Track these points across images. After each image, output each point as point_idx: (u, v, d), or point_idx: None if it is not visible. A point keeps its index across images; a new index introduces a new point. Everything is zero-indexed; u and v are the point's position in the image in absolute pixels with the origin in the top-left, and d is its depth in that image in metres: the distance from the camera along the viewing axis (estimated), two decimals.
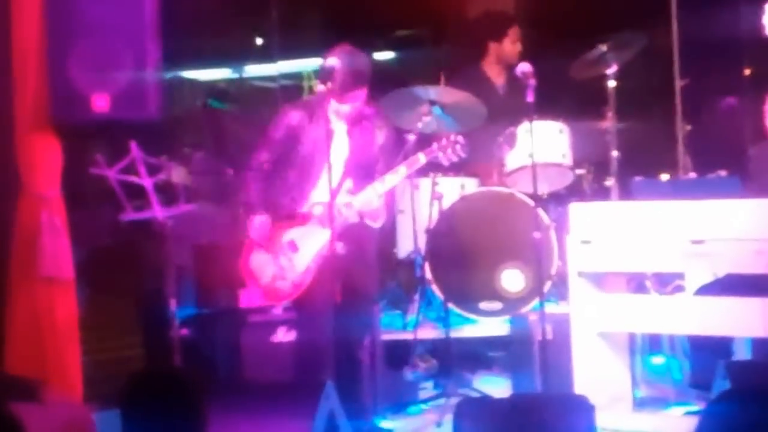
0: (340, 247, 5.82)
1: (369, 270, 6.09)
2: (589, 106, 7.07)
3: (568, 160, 6.87)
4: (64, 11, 5.68)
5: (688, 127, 7.48)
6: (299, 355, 6.20)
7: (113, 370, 6.31)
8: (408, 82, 6.87)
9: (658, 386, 6.29)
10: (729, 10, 8.03)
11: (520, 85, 6.06)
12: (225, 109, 9.71)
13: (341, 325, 5.78)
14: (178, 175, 6.59)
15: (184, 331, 6.23)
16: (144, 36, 5.70)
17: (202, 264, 7.60)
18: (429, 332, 6.71)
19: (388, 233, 7.02)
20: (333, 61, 5.82)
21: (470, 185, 7.12)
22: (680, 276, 6.29)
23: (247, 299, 7.32)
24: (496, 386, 6.73)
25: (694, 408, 5.83)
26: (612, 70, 6.75)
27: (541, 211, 6.44)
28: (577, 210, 5.95)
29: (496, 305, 6.75)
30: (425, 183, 6.81)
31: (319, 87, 5.80)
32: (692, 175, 7.04)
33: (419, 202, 6.92)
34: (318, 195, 5.95)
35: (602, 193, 6.88)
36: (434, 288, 6.72)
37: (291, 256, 5.97)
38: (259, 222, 5.97)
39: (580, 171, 7.04)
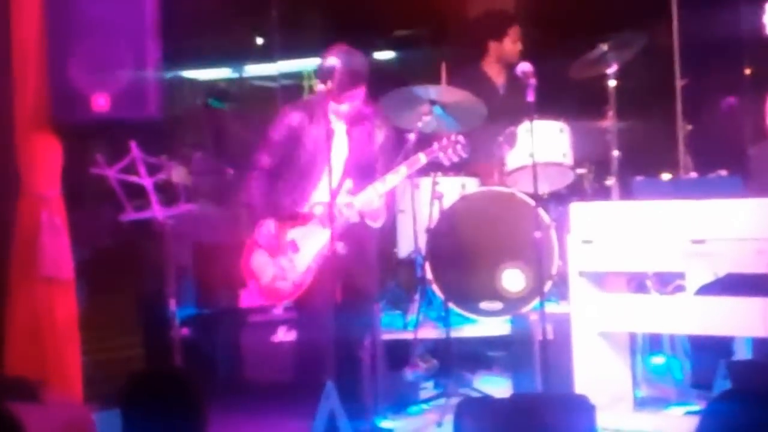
0: (340, 247, 5.82)
1: (369, 270, 6.09)
2: (590, 106, 7.06)
3: (569, 160, 6.87)
4: (64, 11, 5.68)
5: (689, 127, 7.48)
6: (300, 355, 6.20)
7: (113, 370, 6.31)
8: (408, 82, 6.86)
9: (658, 386, 6.28)
10: (729, 9, 8.02)
11: (521, 84, 6.05)
12: (225, 108, 9.70)
13: (342, 325, 5.77)
14: (178, 174, 6.58)
15: (185, 331, 6.22)
16: (144, 35, 5.70)
17: (202, 264, 7.60)
18: (429, 332, 6.71)
19: (389, 233, 7.02)
20: (330, 61, 5.81)
21: (471, 185, 7.12)
22: (681, 276, 6.28)
23: (247, 299, 7.31)
24: (496, 386, 6.72)
25: (695, 408, 5.83)
26: (612, 69, 6.74)
27: (541, 211, 6.44)
28: (577, 209, 5.95)
29: (497, 305, 6.74)
30: (426, 182, 6.81)
31: (320, 86, 5.79)
32: (693, 174, 7.02)
33: (420, 202, 6.92)
34: (319, 195, 5.94)
35: (603, 193, 6.87)
36: (435, 288, 6.72)
37: (292, 257, 5.97)
38: (266, 228, 5.96)
39: (580, 170, 7.04)
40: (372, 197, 5.88)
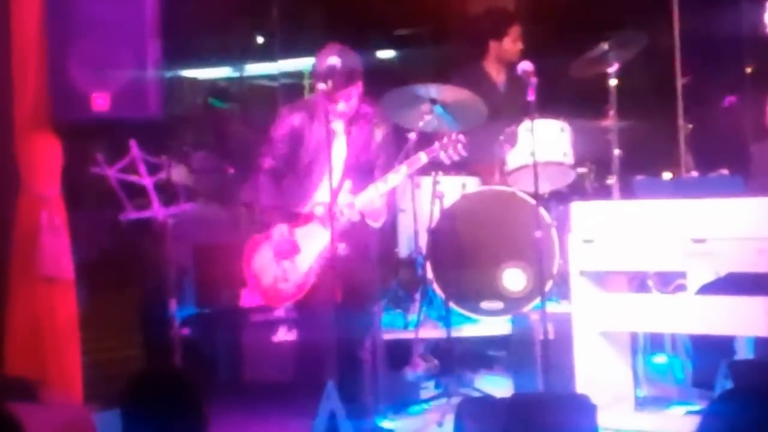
0: (341, 248, 5.81)
1: (370, 270, 6.08)
2: (591, 105, 7.06)
3: (570, 159, 6.86)
4: (64, 10, 5.67)
5: (690, 126, 7.48)
6: (300, 355, 6.19)
7: (113, 370, 6.30)
8: (409, 81, 6.86)
9: (660, 386, 6.28)
10: (730, 8, 8.02)
11: (522, 83, 6.04)
12: (226, 108, 9.70)
13: (343, 325, 5.76)
14: (178, 174, 6.59)
15: (185, 331, 6.22)
16: (144, 35, 5.69)
17: (202, 263, 7.60)
18: (430, 332, 6.70)
19: (390, 232, 7.02)
20: (323, 60, 5.80)
21: (471, 184, 7.12)
22: (682, 275, 6.28)
23: (248, 298, 7.30)
24: (497, 386, 6.72)
25: (696, 407, 5.82)
26: (613, 68, 6.73)
27: (542, 210, 6.43)
28: (578, 209, 5.94)
29: (498, 304, 6.74)
30: (426, 182, 6.80)
31: (320, 86, 5.78)
32: (694, 173, 7.03)
33: (420, 201, 6.91)
34: (320, 195, 5.93)
35: (604, 192, 6.87)
36: (435, 287, 6.72)
37: (294, 257, 5.96)
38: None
39: (581, 170, 7.03)
40: (373, 197, 5.87)
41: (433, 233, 6.64)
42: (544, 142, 6.53)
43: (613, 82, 6.75)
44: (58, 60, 5.63)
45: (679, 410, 5.95)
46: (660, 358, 6.52)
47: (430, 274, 6.72)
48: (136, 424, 3.59)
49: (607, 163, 6.85)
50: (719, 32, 7.88)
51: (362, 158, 5.98)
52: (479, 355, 7.21)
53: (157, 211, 6.02)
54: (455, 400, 5.92)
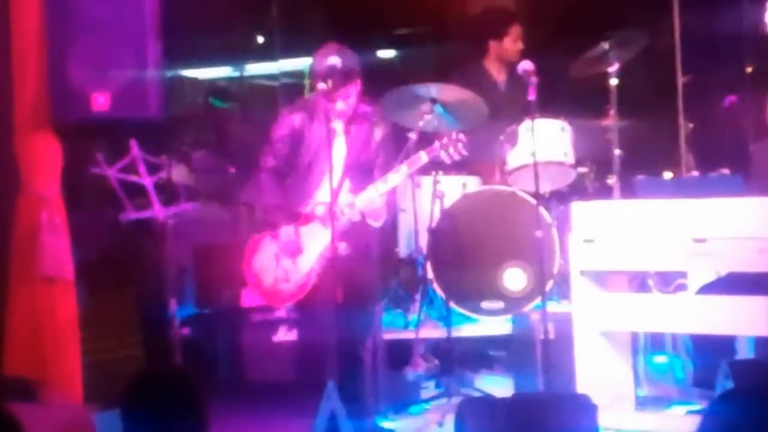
0: (342, 247, 5.81)
1: (371, 269, 6.08)
2: (591, 104, 7.06)
3: (570, 159, 6.85)
4: (64, 10, 5.66)
5: (690, 125, 7.47)
6: (301, 355, 6.19)
7: (113, 370, 6.29)
8: (409, 80, 6.85)
9: (660, 385, 6.28)
10: (731, 7, 8.01)
11: (522, 82, 6.04)
12: (226, 107, 9.70)
13: (343, 325, 5.76)
14: (178, 174, 6.59)
15: (185, 331, 6.21)
16: (145, 34, 5.69)
17: (202, 263, 7.60)
18: (431, 331, 6.70)
19: (390, 232, 7.01)
20: (322, 60, 5.80)
21: (472, 184, 7.11)
22: (683, 275, 6.27)
23: (248, 298, 7.30)
24: (498, 386, 6.71)
25: (697, 407, 5.82)
26: (614, 67, 6.73)
27: (542, 210, 6.43)
28: (579, 208, 5.94)
29: (498, 304, 6.73)
30: (427, 181, 6.79)
31: (320, 85, 5.78)
32: (694, 173, 7.02)
33: (421, 201, 6.91)
34: (320, 195, 5.93)
35: (604, 192, 6.86)
36: (436, 287, 6.71)
37: (297, 258, 5.96)
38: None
39: (582, 169, 7.03)
40: (373, 196, 5.87)
41: (434, 233, 6.63)
42: (545, 141, 6.53)
43: (613, 81, 6.74)
44: (58, 60, 5.63)
45: (680, 410, 5.94)
46: (660, 358, 6.52)
47: (430, 274, 6.72)
48: (136, 424, 3.58)
49: (607, 163, 6.85)
50: (720, 31, 7.87)
51: (362, 158, 5.98)
52: (480, 354, 7.20)
53: (157, 211, 6.01)
54: (456, 400, 5.92)
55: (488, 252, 6.78)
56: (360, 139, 5.99)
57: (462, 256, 6.75)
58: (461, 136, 6.00)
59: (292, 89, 9.76)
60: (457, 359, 6.49)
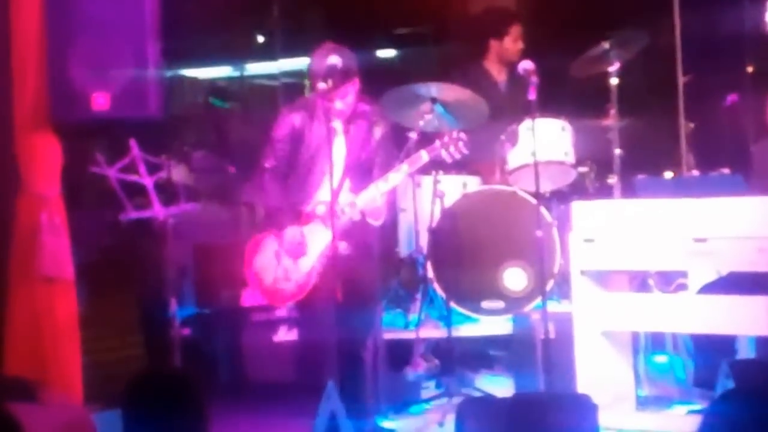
0: (343, 247, 5.81)
1: (372, 268, 6.08)
2: (592, 104, 7.05)
3: (571, 158, 6.85)
4: (64, 9, 5.66)
5: (691, 125, 7.47)
6: (302, 355, 6.19)
7: (113, 370, 6.29)
8: (410, 80, 6.84)
9: (661, 385, 6.27)
10: (731, 6, 8.00)
11: (522, 82, 6.04)
12: (226, 107, 9.69)
13: (344, 325, 5.76)
14: (178, 173, 6.58)
15: (185, 331, 6.21)
16: (144, 34, 5.68)
17: (202, 263, 7.59)
18: (431, 331, 6.70)
19: (390, 232, 7.01)
20: (322, 60, 5.80)
21: (472, 183, 7.11)
22: (683, 274, 6.27)
23: (249, 298, 7.30)
24: (498, 385, 6.71)
25: (698, 407, 5.82)
26: (614, 67, 6.72)
27: (543, 210, 6.43)
28: (579, 208, 5.93)
29: (499, 304, 6.73)
30: (427, 181, 6.79)
31: (321, 85, 5.78)
32: (695, 172, 7.02)
33: (421, 201, 6.91)
34: (321, 194, 5.93)
35: (605, 191, 6.86)
36: (436, 287, 6.71)
37: (300, 258, 5.96)
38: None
39: (582, 169, 7.02)
40: (374, 195, 5.88)
41: (434, 233, 6.63)
42: (545, 141, 6.52)
43: (614, 81, 6.74)
44: (58, 60, 5.62)
45: (681, 410, 5.94)
46: (661, 358, 6.51)
47: (430, 274, 6.71)
48: (137, 424, 3.58)
49: (608, 163, 6.84)
50: (720, 31, 7.87)
51: (361, 157, 5.99)
52: (480, 354, 7.20)
53: (157, 211, 6.01)
54: (456, 400, 5.92)
55: (489, 252, 6.77)
56: (359, 138, 5.99)
57: (462, 256, 6.74)
58: (462, 134, 6.00)
59: (293, 89, 9.75)
60: (457, 359, 6.48)
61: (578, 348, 5.83)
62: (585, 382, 5.72)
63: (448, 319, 6.44)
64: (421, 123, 6.31)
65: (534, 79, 5.91)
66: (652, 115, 7.70)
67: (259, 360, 7.09)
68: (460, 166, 6.82)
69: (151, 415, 3.57)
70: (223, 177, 8.20)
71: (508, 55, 7.57)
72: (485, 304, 6.74)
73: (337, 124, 5.94)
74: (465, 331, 6.77)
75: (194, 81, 10.46)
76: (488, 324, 6.80)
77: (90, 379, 5.87)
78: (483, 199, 6.89)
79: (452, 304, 6.55)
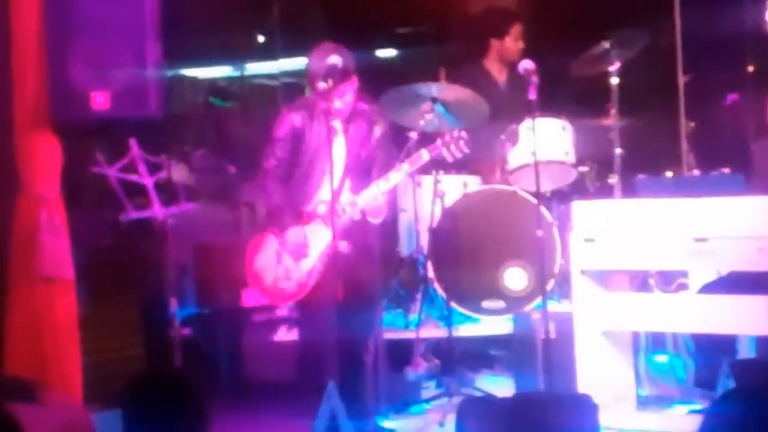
0: (343, 246, 5.81)
1: (373, 268, 6.08)
2: (592, 103, 7.05)
3: (571, 158, 6.84)
4: (63, 9, 5.65)
5: (692, 124, 7.46)
6: (302, 355, 6.19)
7: (113, 371, 6.29)
8: (410, 80, 6.84)
9: (662, 385, 6.27)
10: (732, 6, 7.99)
11: (523, 82, 6.03)
12: (226, 107, 9.68)
13: (346, 325, 5.76)
14: (178, 173, 6.57)
15: (185, 331, 6.20)
16: (144, 33, 5.68)
17: (203, 263, 7.58)
18: (431, 331, 6.70)
19: (391, 232, 7.01)
20: (322, 60, 5.80)
21: (473, 183, 7.11)
22: (684, 274, 6.26)
23: (250, 298, 7.29)
24: (498, 385, 6.71)
25: (698, 407, 5.81)
26: (615, 67, 6.72)
27: (543, 209, 6.43)
28: (580, 208, 5.93)
29: (499, 304, 6.73)
30: (428, 181, 6.79)
31: (321, 85, 5.78)
32: (696, 172, 7.00)
33: (422, 201, 6.91)
34: (322, 194, 5.93)
35: (605, 191, 6.85)
36: (437, 286, 6.71)
37: (300, 259, 5.95)
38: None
39: (583, 168, 7.02)
40: (375, 195, 5.88)
41: (435, 232, 6.63)
42: (546, 140, 6.52)
43: (614, 80, 6.73)
44: (58, 60, 5.62)
45: (681, 410, 5.93)
46: (662, 358, 6.51)
47: (431, 274, 6.71)
48: (137, 424, 3.57)
49: (608, 162, 6.84)
50: (721, 30, 7.86)
51: (361, 156, 5.99)
52: (480, 354, 7.20)
53: (157, 210, 6.00)
54: (456, 400, 5.91)
55: (489, 251, 6.77)
56: (359, 137, 6.00)
57: (463, 256, 6.74)
58: (463, 133, 6.00)
59: (293, 89, 9.74)
60: (457, 359, 6.48)
61: (579, 348, 5.82)
62: (585, 382, 5.71)
63: (448, 319, 6.44)
64: (422, 123, 6.30)
65: (534, 78, 5.90)
66: (653, 114, 7.69)
67: (259, 360, 7.09)
68: (460, 166, 6.82)
69: (152, 415, 3.57)
70: (223, 177, 8.19)
71: (509, 54, 7.57)
72: (486, 303, 6.74)
73: (337, 124, 5.94)
74: (465, 330, 6.76)
75: (194, 81, 10.46)
76: (489, 324, 6.79)
77: (90, 379, 5.86)
78: (483, 199, 6.88)
79: (453, 304, 6.55)
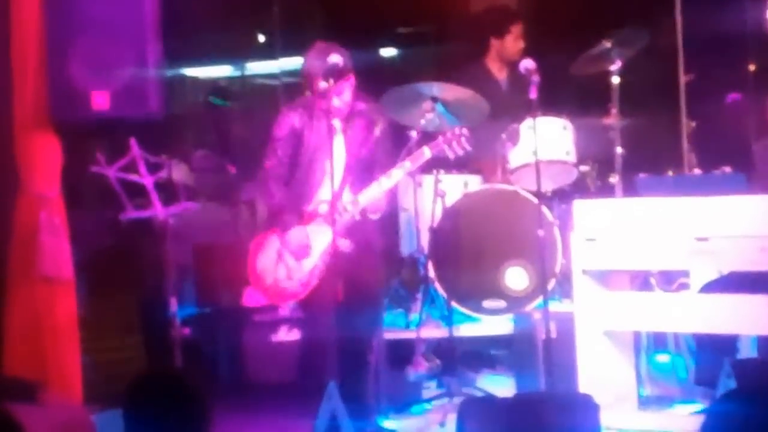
0: (345, 245, 5.81)
1: (375, 267, 6.08)
2: (593, 103, 7.04)
3: (572, 157, 6.83)
4: (63, 9, 5.65)
5: (693, 124, 7.45)
6: (305, 355, 6.18)
7: (113, 371, 6.29)
8: (411, 79, 6.83)
9: (663, 385, 6.27)
10: (733, 5, 8.00)
11: (524, 81, 6.02)
12: (227, 106, 9.68)
13: (349, 324, 5.75)
14: (178, 173, 6.56)
15: (186, 331, 6.20)
16: (145, 33, 5.67)
17: (203, 263, 7.58)
18: (432, 331, 6.68)
19: (391, 231, 7.00)
20: (323, 59, 5.80)
21: (473, 183, 7.09)
22: (685, 273, 6.26)
23: (251, 298, 7.29)
24: (499, 385, 6.70)
25: (700, 406, 5.80)
26: (616, 66, 6.70)
27: (544, 209, 6.42)
28: (581, 207, 5.92)
29: (500, 303, 6.71)
30: (428, 180, 6.78)
31: (322, 84, 5.78)
32: (697, 171, 7.00)
33: (422, 200, 6.89)
34: (323, 194, 5.93)
35: (606, 190, 6.84)
36: (437, 286, 6.70)
37: (302, 258, 5.95)
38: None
39: (584, 168, 7.01)
40: (376, 194, 5.88)
41: (435, 232, 6.62)
42: (547, 140, 6.51)
43: (615, 79, 6.72)
44: (58, 59, 5.62)
45: (683, 409, 5.93)
46: (663, 357, 6.51)
47: (431, 273, 6.70)
48: (138, 425, 3.57)
49: (609, 161, 6.82)
50: (722, 29, 7.86)
51: (361, 155, 6.00)
52: (481, 354, 7.19)
53: (157, 210, 5.99)
54: (457, 400, 5.91)
55: (490, 251, 6.76)
56: (359, 136, 6.00)
57: (463, 255, 6.73)
58: (464, 130, 6.00)
59: (293, 88, 9.74)
60: (458, 359, 6.47)
61: (580, 347, 5.82)
62: (587, 382, 5.71)
63: (449, 319, 6.43)
64: (423, 122, 6.30)
65: (535, 77, 5.89)
66: (654, 113, 7.69)
67: (260, 360, 7.08)
68: (461, 165, 6.81)
69: (153, 415, 3.57)
70: (223, 177, 8.19)
71: (509, 54, 7.56)
72: (486, 303, 6.72)
73: (336, 123, 5.94)
74: (466, 330, 6.75)
75: (195, 80, 10.47)
76: (489, 324, 6.78)
77: (90, 379, 5.87)
78: (484, 199, 6.87)
79: (453, 304, 6.54)
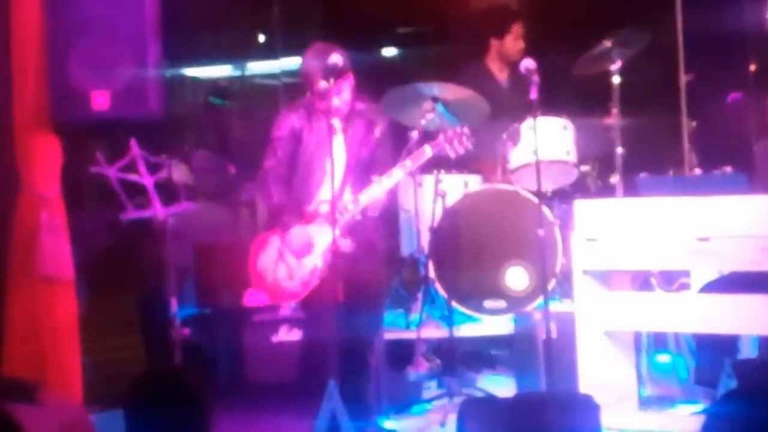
0: (346, 244, 5.81)
1: (377, 266, 6.08)
2: (594, 103, 7.04)
3: (573, 157, 6.83)
4: (64, 9, 5.65)
5: (693, 123, 7.44)
6: (305, 355, 6.18)
7: (113, 371, 6.29)
8: (411, 79, 6.83)
9: (663, 385, 6.26)
10: (734, 4, 7.99)
11: (524, 81, 6.02)
12: (227, 106, 9.69)
13: (350, 324, 5.75)
14: (178, 173, 6.56)
15: (186, 331, 6.20)
16: (145, 33, 5.67)
17: (203, 263, 7.57)
18: (432, 331, 6.68)
19: (392, 231, 7.00)
20: (319, 60, 5.80)
21: (474, 182, 7.09)
22: (686, 273, 6.25)
23: (252, 298, 7.28)
24: (500, 385, 6.70)
25: (701, 406, 5.80)
26: (616, 65, 6.70)
27: (545, 209, 6.42)
28: (581, 207, 5.92)
29: (500, 303, 6.71)
30: (429, 181, 6.78)
31: (323, 84, 5.79)
32: (697, 171, 7.00)
33: (423, 200, 6.89)
34: (323, 193, 5.93)
35: (607, 190, 6.84)
36: (438, 286, 6.70)
37: (303, 258, 5.95)
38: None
39: (584, 168, 7.01)
40: (377, 193, 5.89)
41: (436, 232, 6.61)
42: (547, 140, 6.51)
43: (616, 79, 6.72)
44: (57, 58, 5.61)
45: (683, 409, 5.93)
46: (664, 357, 6.50)
47: (432, 274, 6.70)
48: (139, 425, 3.57)
49: (610, 161, 6.82)
50: (723, 29, 7.85)
51: (361, 155, 6.00)
52: (482, 354, 7.19)
53: (157, 210, 5.99)
54: (458, 400, 5.91)
55: (490, 251, 6.76)
56: (359, 136, 6.00)
57: (464, 256, 6.73)
58: (465, 129, 6.00)
59: (293, 88, 9.74)
60: (459, 359, 6.48)
61: (580, 348, 5.81)
62: (587, 382, 5.70)
63: (449, 319, 6.43)
64: (423, 122, 6.30)
65: (535, 77, 5.89)
66: (655, 113, 7.68)
67: (260, 360, 7.07)
68: (461, 165, 6.81)
69: (154, 415, 3.57)
70: (223, 177, 8.19)
71: (510, 54, 7.55)
72: (487, 303, 6.72)
73: (336, 123, 5.94)
74: (466, 330, 6.75)
75: (195, 80, 10.47)
76: (490, 324, 6.78)
77: (90, 379, 5.86)
78: (484, 199, 6.87)
79: (454, 304, 6.54)
